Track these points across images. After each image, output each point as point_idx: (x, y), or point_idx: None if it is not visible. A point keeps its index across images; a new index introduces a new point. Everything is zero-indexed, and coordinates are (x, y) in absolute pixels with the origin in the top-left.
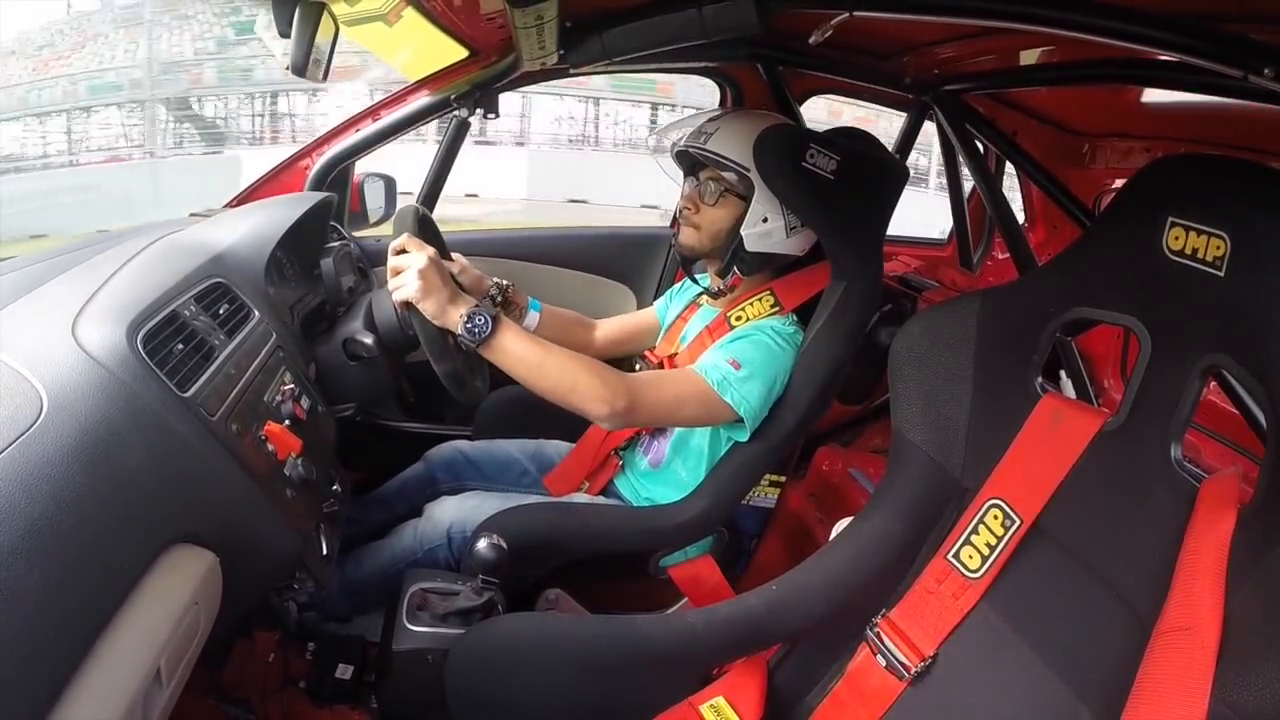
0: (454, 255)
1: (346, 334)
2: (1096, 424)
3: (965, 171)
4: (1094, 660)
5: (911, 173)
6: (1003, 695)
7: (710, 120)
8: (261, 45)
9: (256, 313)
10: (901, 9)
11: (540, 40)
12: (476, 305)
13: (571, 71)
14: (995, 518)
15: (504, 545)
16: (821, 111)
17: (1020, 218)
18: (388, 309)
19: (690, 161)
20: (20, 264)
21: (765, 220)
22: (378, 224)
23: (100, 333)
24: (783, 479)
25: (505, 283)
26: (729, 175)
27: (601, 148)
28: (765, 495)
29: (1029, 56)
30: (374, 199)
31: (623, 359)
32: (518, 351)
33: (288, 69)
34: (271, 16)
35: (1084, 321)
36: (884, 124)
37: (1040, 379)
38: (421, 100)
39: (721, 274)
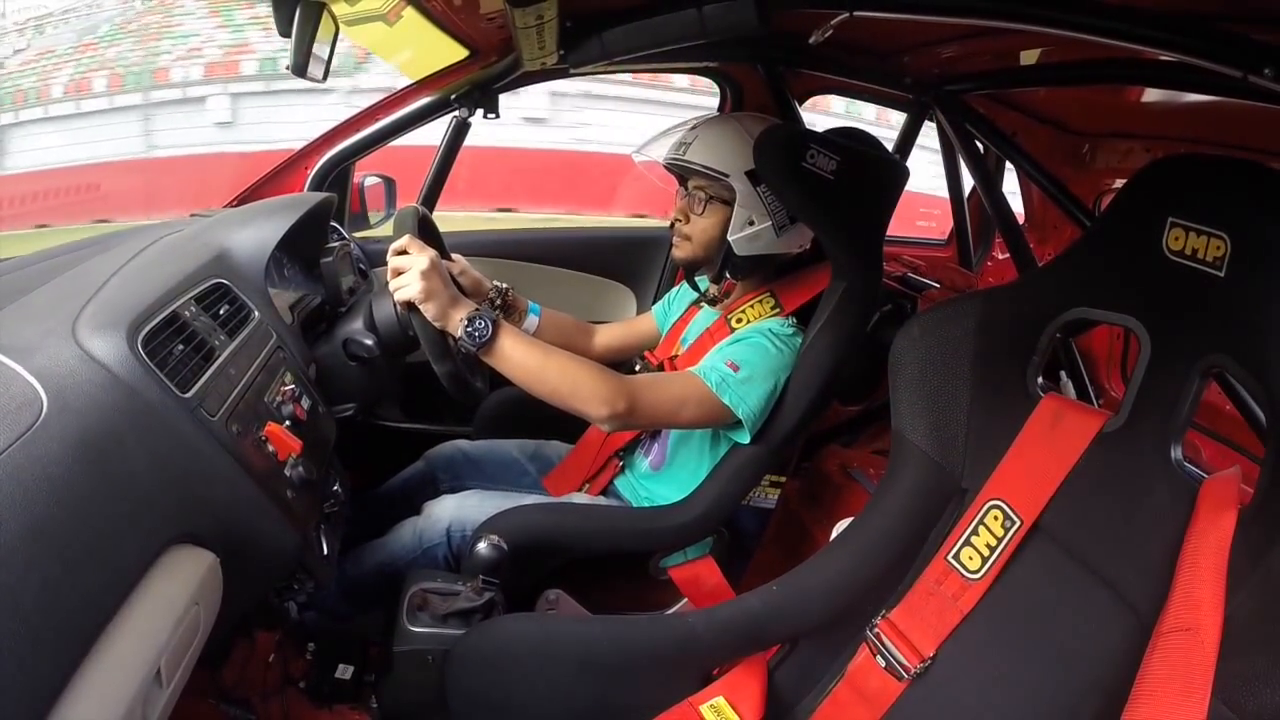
0: (454, 256)
1: (347, 334)
2: (1097, 424)
3: (965, 171)
4: (1094, 660)
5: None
6: (1003, 696)
7: (691, 129)
8: None
9: (257, 313)
10: (901, 9)
11: (540, 40)
12: (477, 309)
13: (571, 71)
14: (995, 518)
15: (504, 545)
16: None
17: (1020, 218)
18: (388, 309)
19: (679, 173)
20: (21, 264)
21: (751, 223)
22: (378, 225)
23: (101, 333)
24: (783, 479)
25: (505, 286)
26: (712, 183)
27: None
28: (765, 496)
29: (1029, 56)
30: (374, 200)
31: (621, 364)
32: (517, 356)
33: (288, 68)
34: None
35: (1084, 322)
36: None
37: (1041, 379)
38: (422, 100)
39: (716, 279)
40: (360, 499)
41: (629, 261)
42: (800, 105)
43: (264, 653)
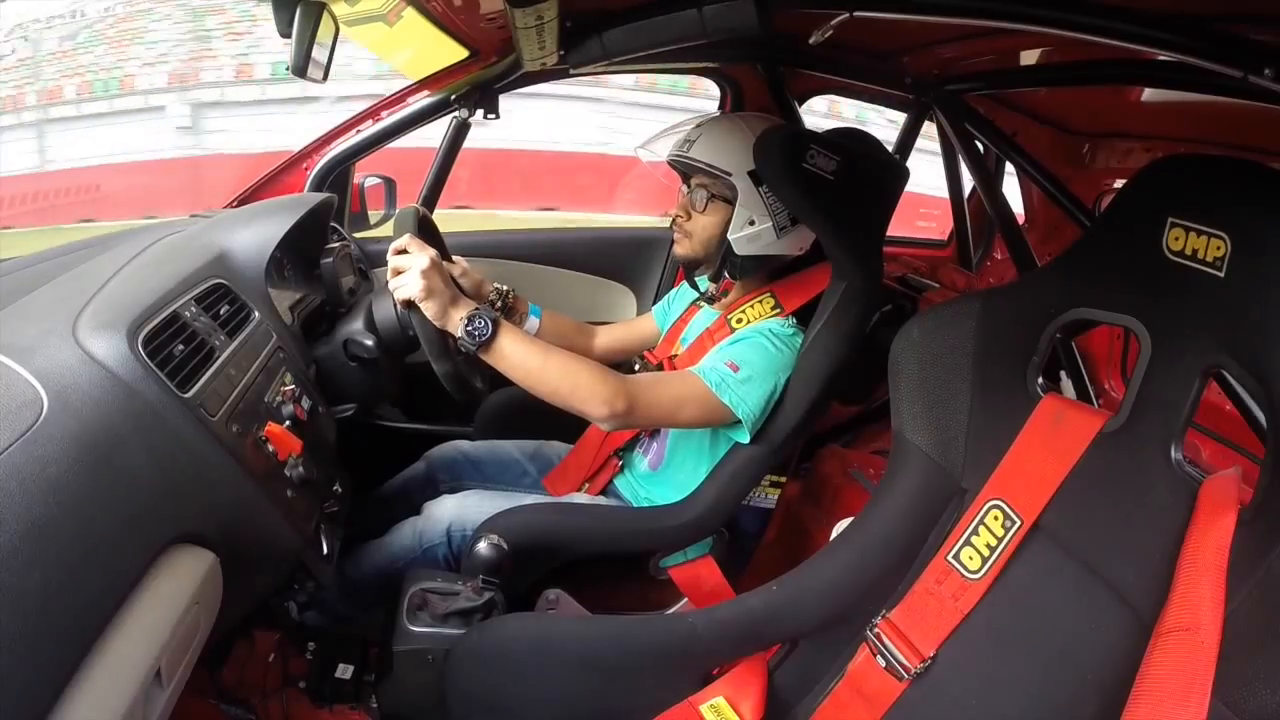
0: (455, 259)
1: (347, 334)
2: (1097, 424)
3: (966, 171)
4: (1094, 660)
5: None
6: (1002, 696)
7: (695, 127)
8: None
9: (257, 314)
10: (901, 9)
11: (540, 40)
12: (477, 308)
13: (571, 72)
14: (995, 518)
15: (504, 545)
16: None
17: (1020, 218)
18: (388, 309)
19: (682, 169)
20: (21, 264)
21: (752, 223)
22: (378, 225)
23: (101, 334)
24: (783, 479)
25: (506, 288)
26: (715, 181)
27: None
28: (765, 496)
29: (1029, 56)
30: (374, 200)
31: (621, 365)
32: (517, 355)
33: (288, 69)
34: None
35: (1084, 322)
36: None
37: (1041, 379)
38: (422, 101)
39: (714, 279)
40: (360, 499)
41: (629, 262)
42: (800, 105)
43: (264, 653)
